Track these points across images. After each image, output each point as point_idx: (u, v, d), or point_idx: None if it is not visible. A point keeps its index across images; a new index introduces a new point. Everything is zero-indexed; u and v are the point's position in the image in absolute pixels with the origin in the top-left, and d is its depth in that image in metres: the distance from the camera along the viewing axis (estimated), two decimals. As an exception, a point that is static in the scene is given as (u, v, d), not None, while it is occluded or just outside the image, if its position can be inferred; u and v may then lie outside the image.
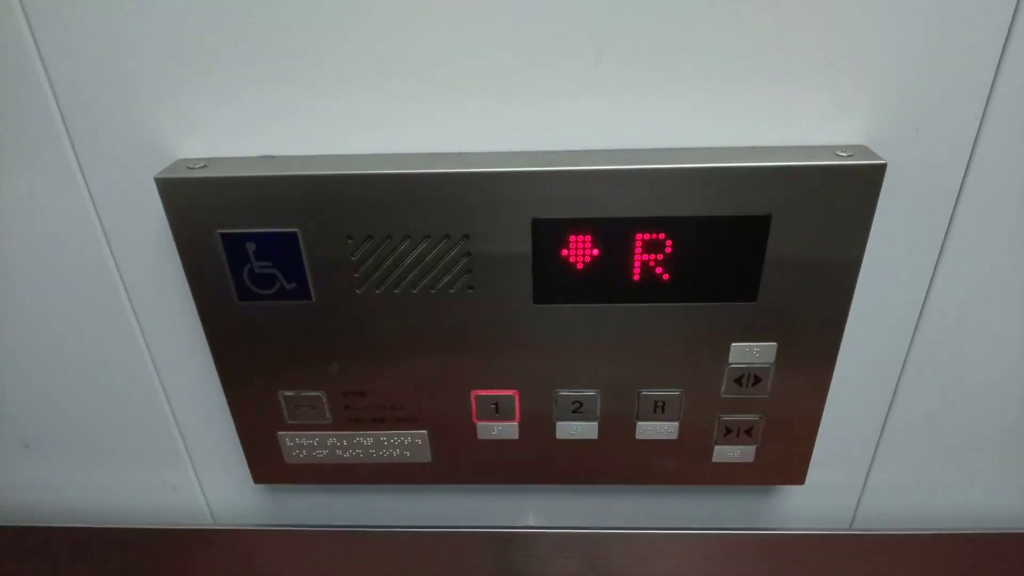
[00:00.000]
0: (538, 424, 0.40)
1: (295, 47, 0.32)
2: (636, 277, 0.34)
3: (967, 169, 0.34)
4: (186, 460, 0.46)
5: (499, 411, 0.39)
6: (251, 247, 0.34)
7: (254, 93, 0.33)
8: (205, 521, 0.49)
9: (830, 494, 0.46)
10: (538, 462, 0.42)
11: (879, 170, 0.32)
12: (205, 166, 0.33)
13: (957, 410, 0.42)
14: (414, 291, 0.35)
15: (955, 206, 0.35)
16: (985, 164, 0.34)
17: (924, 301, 0.38)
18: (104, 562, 0.49)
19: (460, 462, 0.42)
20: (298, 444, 0.41)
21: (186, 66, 0.32)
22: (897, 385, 0.41)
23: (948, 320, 0.38)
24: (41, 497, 0.49)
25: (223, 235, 0.34)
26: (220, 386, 0.39)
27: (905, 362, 0.40)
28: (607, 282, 0.35)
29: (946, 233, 0.36)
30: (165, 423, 0.44)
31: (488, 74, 0.32)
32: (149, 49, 0.32)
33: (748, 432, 0.40)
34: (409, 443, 0.41)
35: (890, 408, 0.42)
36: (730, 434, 0.40)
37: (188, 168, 0.33)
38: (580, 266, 0.34)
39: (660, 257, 0.34)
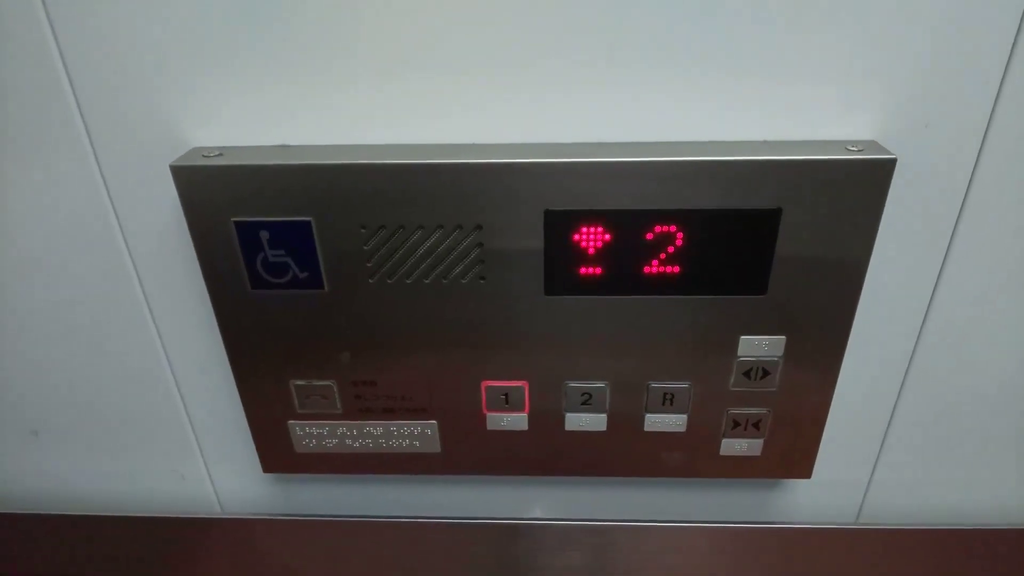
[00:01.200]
0: (547, 415, 0.40)
1: (312, 37, 0.32)
2: (647, 269, 0.35)
3: (976, 165, 0.34)
4: (195, 448, 0.46)
5: (509, 402, 0.40)
6: (265, 236, 0.34)
7: (270, 82, 0.33)
8: (214, 510, 0.49)
9: (836, 488, 0.46)
10: (547, 453, 0.42)
11: (889, 165, 0.32)
12: (220, 154, 0.33)
13: (963, 406, 0.42)
14: (426, 281, 0.35)
15: (964, 202, 0.35)
16: (994, 160, 0.34)
17: (932, 296, 0.38)
18: (112, 550, 0.49)
19: (469, 453, 0.42)
20: (308, 434, 0.41)
21: (203, 54, 0.33)
22: (904, 380, 0.41)
23: (955, 316, 0.39)
24: (50, 485, 0.49)
25: (237, 223, 0.34)
26: (231, 374, 0.39)
27: (912, 357, 0.40)
28: (618, 274, 0.35)
29: (954, 229, 0.36)
30: (175, 411, 0.44)
31: (502, 66, 0.32)
32: (166, 37, 0.32)
33: (756, 425, 0.40)
34: (419, 433, 0.41)
35: (897, 403, 0.42)
36: (738, 427, 0.40)
37: (203, 156, 0.33)
38: (591, 258, 0.34)
39: (671, 250, 0.34)
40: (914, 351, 0.40)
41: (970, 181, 0.35)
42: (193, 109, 0.34)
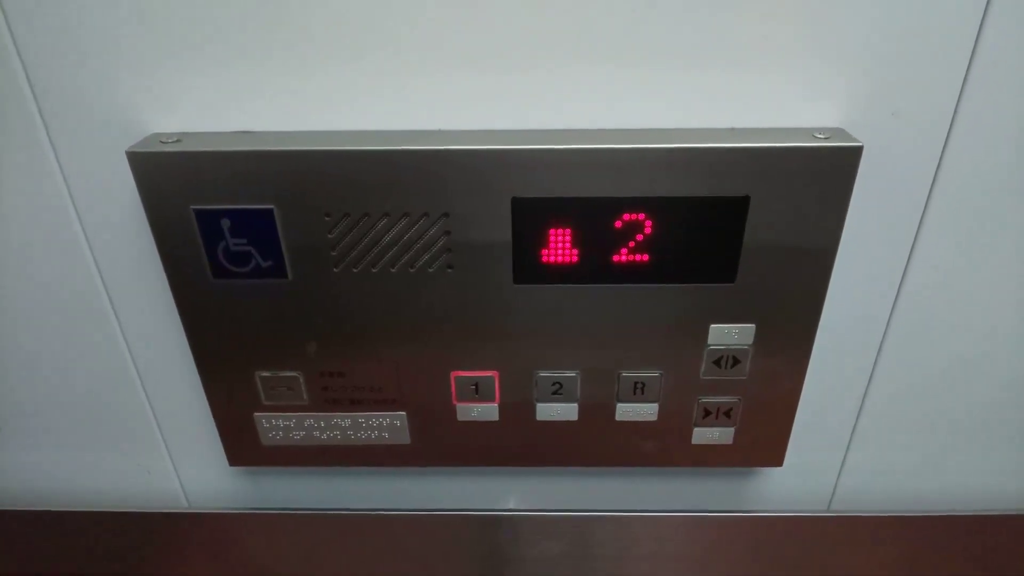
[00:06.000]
0: (518, 406, 0.40)
1: (273, 20, 0.31)
2: (616, 258, 0.34)
3: (943, 152, 0.34)
4: (160, 442, 0.45)
5: (479, 392, 0.39)
6: (226, 224, 0.33)
7: (231, 67, 0.32)
8: (180, 505, 0.48)
9: (808, 475, 0.46)
10: (518, 444, 0.41)
11: (856, 152, 0.32)
12: (179, 140, 0.33)
13: (934, 392, 0.42)
14: (392, 270, 0.35)
15: (931, 189, 0.35)
16: (961, 148, 0.34)
17: (901, 283, 0.38)
18: (75, 546, 0.48)
19: (439, 444, 0.42)
20: (274, 426, 0.41)
21: (161, 37, 0.32)
22: (874, 366, 0.41)
23: (924, 302, 0.39)
24: (11, 480, 0.48)
25: (197, 211, 0.33)
26: (194, 366, 0.39)
27: (882, 344, 0.40)
28: (587, 262, 0.34)
29: (922, 215, 0.36)
30: (138, 404, 0.43)
31: (468, 52, 0.32)
32: (123, 18, 0.31)
33: (727, 414, 0.40)
34: (388, 425, 0.41)
35: (867, 390, 0.42)
36: (709, 416, 0.40)
37: (161, 142, 0.32)
38: (560, 246, 0.34)
39: (640, 238, 0.34)
40: (883, 338, 0.40)
41: (937, 169, 0.35)
42: (152, 94, 0.33)
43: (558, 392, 0.39)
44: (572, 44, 0.32)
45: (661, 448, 0.42)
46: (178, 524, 0.47)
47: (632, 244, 0.34)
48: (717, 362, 0.38)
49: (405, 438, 0.41)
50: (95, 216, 0.37)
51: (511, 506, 0.48)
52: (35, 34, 0.32)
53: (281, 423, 0.41)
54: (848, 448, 0.45)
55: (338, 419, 0.40)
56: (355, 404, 0.40)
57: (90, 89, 0.33)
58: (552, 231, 0.34)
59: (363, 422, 0.41)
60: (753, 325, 0.37)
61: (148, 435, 0.45)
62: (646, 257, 0.34)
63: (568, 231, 0.34)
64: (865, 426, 0.44)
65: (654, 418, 0.40)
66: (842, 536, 0.47)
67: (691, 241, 0.34)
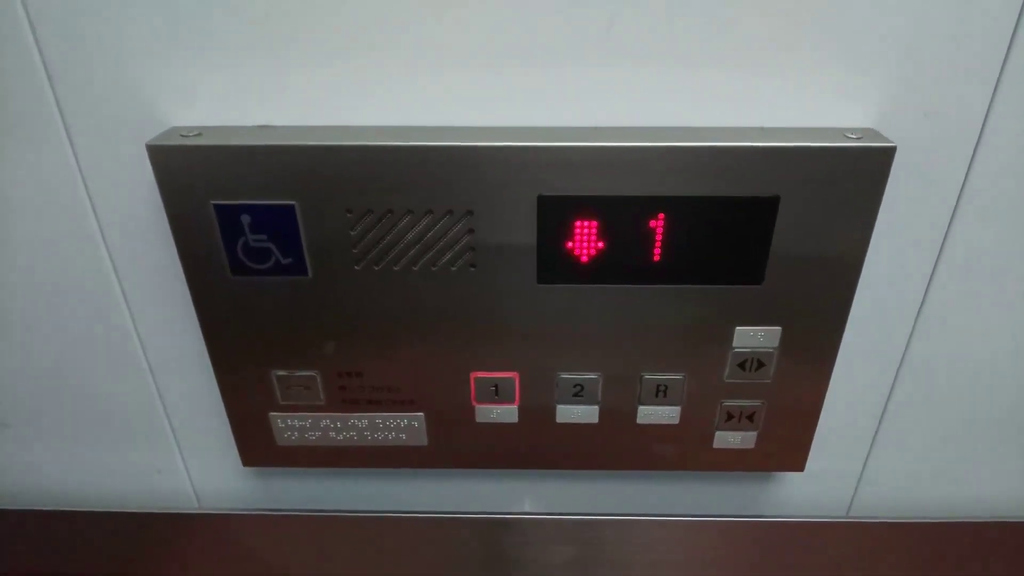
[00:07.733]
0: (538, 407, 0.39)
1: (295, 12, 0.31)
2: (641, 258, 0.34)
3: (974, 154, 0.34)
4: (172, 441, 0.45)
5: (499, 394, 0.39)
6: (246, 219, 0.33)
7: (252, 60, 0.32)
8: (190, 505, 0.48)
9: (828, 481, 0.45)
10: (537, 446, 0.41)
11: (888, 153, 0.31)
12: (199, 134, 0.32)
13: (957, 398, 0.42)
14: (414, 268, 0.34)
15: (961, 191, 0.35)
16: (992, 150, 0.34)
17: (927, 288, 0.38)
18: (84, 547, 0.48)
19: (457, 446, 0.41)
20: (290, 426, 0.40)
21: (181, 30, 0.31)
22: (898, 372, 0.41)
23: (951, 307, 0.38)
24: (20, 479, 0.47)
25: (217, 206, 0.33)
26: (210, 364, 0.38)
27: (906, 349, 0.40)
28: (612, 262, 0.34)
29: (951, 219, 0.36)
30: (151, 402, 0.43)
31: (496, 48, 0.31)
32: (142, 12, 0.31)
33: (750, 417, 0.39)
34: (405, 426, 0.40)
35: (890, 396, 0.42)
36: (732, 419, 0.39)
37: (181, 136, 0.32)
38: (585, 246, 0.34)
39: (666, 238, 0.33)
40: (909, 342, 0.40)
41: (968, 171, 0.34)
42: (172, 87, 0.33)
43: (579, 394, 0.39)
44: (600, 42, 0.31)
45: (682, 452, 0.41)
46: (189, 525, 0.47)
47: (659, 244, 0.33)
48: (741, 365, 0.37)
49: (423, 439, 0.41)
50: (112, 210, 0.36)
51: (527, 509, 0.47)
52: (55, 27, 0.31)
53: (297, 423, 0.40)
54: (869, 454, 0.44)
55: (355, 420, 0.40)
56: (372, 404, 0.39)
57: (109, 82, 0.32)
58: (578, 230, 0.33)
59: (380, 423, 0.40)
60: (779, 328, 0.36)
61: (159, 434, 0.44)
62: (672, 257, 0.34)
63: (594, 230, 0.33)
64: (887, 432, 0.43)
65: (676, 421, 0.40)
66: (861, 543, 0.47)
67: (718, 241, 0.33)
